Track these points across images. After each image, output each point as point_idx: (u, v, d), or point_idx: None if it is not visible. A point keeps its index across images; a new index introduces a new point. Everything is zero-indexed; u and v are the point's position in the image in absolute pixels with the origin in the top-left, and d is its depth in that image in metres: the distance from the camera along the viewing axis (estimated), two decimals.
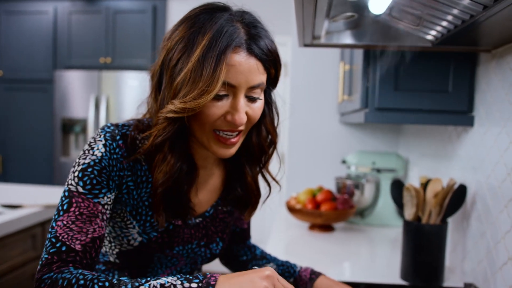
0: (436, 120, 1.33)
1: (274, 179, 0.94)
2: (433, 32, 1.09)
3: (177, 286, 0.65)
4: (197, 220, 0.93)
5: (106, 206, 0.78)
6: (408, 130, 2.14)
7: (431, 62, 1.32)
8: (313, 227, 1.90)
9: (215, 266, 1.35)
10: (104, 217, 0.78)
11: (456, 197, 1.27)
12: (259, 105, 0.80)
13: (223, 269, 1.21)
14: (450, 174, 1.49)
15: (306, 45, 1.21)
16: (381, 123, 2.06)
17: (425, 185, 1.31)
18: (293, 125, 2.47)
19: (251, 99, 0.78)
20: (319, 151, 2.44)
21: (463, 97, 1.32)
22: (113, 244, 0.87)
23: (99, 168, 0.77)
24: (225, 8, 0.78)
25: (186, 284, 0.66)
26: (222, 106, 0.75)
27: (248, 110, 0.78)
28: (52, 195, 2.26)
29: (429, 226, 1.25)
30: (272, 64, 0.79)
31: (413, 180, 1.97)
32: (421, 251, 1.25)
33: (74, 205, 0.75)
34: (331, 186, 2.30)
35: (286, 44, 3.71)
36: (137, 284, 0.67)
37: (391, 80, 1.33)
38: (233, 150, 0.81)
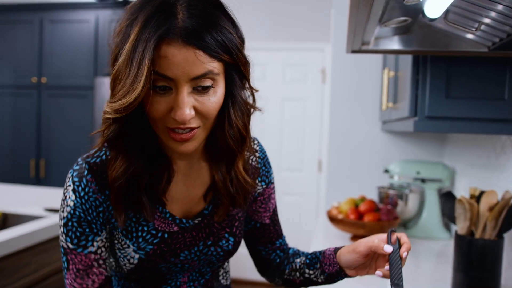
0: (491, 129, 1.26)
1: (246, 179, 0.84)
2: (491, 37, 1.04)
3: None
4: (196, 221, 0.86)
5: (99, 250, 0.79)
6: (455, 138, 2.06)
7: (485, 68, 1.25)
8: (355, 238, 1.85)
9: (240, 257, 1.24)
10: (101, 261, 0.80)
11: None
12: (212, 98, 0.70)
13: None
14: (503, 186, 1.41)
15: (354, 51, 1.17)
16: (427, 132, 1.99)
17: (477, 197, 1.24)
18: (333, 133, 2.43)
19: (201, 91, 0.68)
20: (360, 160, 2.38)
21: None
22: (119, 266, 0.84)
23: (77, 219, 0.77)
24: None
25: None
26: (165, 101, 0.67)
27: (196, 104, 0.69)
28: None
29: (483, 241, 1.18)
30: (223, 50, 0.67)
31: (461, 192, 1.89)
32: (474, 267, 1.19)
33: (71, 262, 0.78)
34: (373, 196, 2.23)
35: (325, 51, 3.67)
36: None
37: (442, 87, 1.27)
38: (191, 146, 0.72)
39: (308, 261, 0.95)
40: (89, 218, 0.77)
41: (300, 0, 3.74)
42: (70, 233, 0.77)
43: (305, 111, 3.81)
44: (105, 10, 3.99)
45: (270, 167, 0.98)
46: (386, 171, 2.09)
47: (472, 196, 1.26)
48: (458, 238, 1.23)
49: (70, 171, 0.79)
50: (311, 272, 0.94)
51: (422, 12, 0.97)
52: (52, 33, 4.12)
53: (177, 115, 0.67)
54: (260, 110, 0.81)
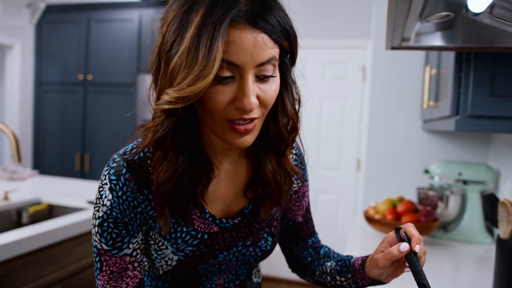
0: None
1: (295, 169, 0.83)
2: None
3: None
4: (236, 220, 0.84)
5: (134, 253, 0.76)
6: (500, 139, 1.98)
7: None
8: None
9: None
10: (135, 264, 0.77)
11: None
12: (273, 86, 0.68)
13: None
14: None
15: (393, 48, 1.15)
16: (471, 132, 1.93)
17: None
18: (372, 132, 2.39)
19: (263, 79, 0.66)
20: (399, 159, 2.33)
21: None
22: (154, 267, 0.84)
23: (113, 220, 0.73)
24: None
25: None
26: (228, 90, 0.64)
27: (259, 93, 0.66)
28: None
29: None
30: (283, 35, 0.66)
31: (505, 194, 1.81)
32: None
33: (104, 263, 0.75)
34: (412, 197, 2.18)
35: (366, 48, 3.61)
36: None
37: (486, 85, 1.22)
38: (250, 138, 0.70)
39: (338, 268, 0.93)
40: (126, 219, 0.74)
41: None
42: (105, 234, 0.73)
43: (344, 110, 3.76)
44: (148, 9, 4.09)
45: (305, 164, 0.96)
46: (426, 171, 2.04)
47: None
48: (500, 242, 1.18)
49: (106, 168, 0.75)
50: (342, 279, 0.91)
51: (466, 7, 0.94)
52: (98, 32, 4.26)
53: (244, 104, 0.64)
54: (299, 120, 0.80)
